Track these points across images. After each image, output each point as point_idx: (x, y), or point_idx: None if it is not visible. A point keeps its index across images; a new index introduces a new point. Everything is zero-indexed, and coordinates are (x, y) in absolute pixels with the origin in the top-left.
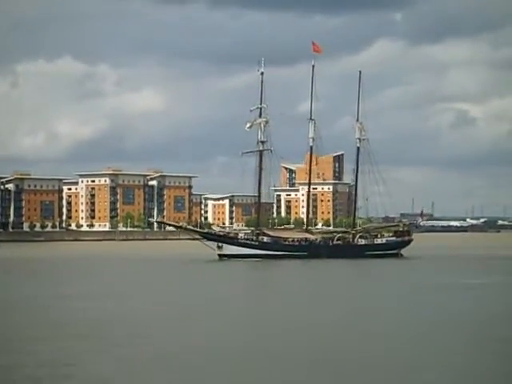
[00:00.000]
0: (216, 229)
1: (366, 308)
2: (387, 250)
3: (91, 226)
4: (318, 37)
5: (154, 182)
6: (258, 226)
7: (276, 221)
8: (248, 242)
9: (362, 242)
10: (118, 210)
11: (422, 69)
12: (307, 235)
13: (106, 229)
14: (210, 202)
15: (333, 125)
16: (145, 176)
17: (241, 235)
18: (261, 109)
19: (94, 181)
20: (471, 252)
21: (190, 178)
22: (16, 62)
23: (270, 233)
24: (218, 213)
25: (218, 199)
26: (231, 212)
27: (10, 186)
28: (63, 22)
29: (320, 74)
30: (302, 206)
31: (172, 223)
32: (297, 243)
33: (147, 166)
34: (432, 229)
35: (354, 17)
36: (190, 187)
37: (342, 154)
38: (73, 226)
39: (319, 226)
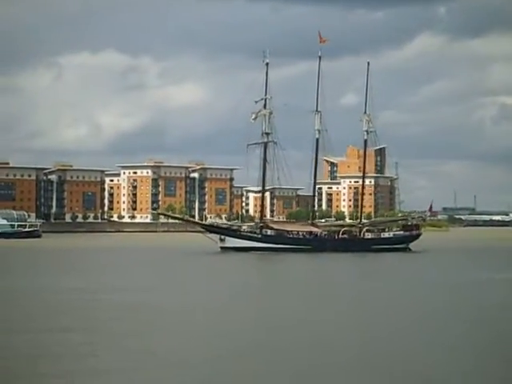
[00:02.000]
0: (219, 221)
1: (368, 304)
2: (394, 244)
3: (133, 217)
4: (360, 30)
5: (195, 175)
6: (262, 218)
7: (317, 214)
8: (251, 234)
9: (369, 235)
10: (160, 202)
11: (465, 63)
12: (312, 228)
13: (148, 220)
14: (251, 195)
15: (375, 119)
16: (186, 168)
17: (244, 228)
18: (265, 100)
19: (135, 172)
20: (492, 245)
21: (232, 170)
22: (60, 54)
23: (274, 226)
24: (259, 205)
25: (259, 192)
26: (272, 205)
27: (53, 177)
28: (107, 14)
29: (362, 68)
30: (344, 200)
31: (173, 215)
32: (301, 236)
33: (189, 158)
34: (474, 223)
35: (397, 10)
36: (231, 180)
37: (384, 148)
38: (114, 218)
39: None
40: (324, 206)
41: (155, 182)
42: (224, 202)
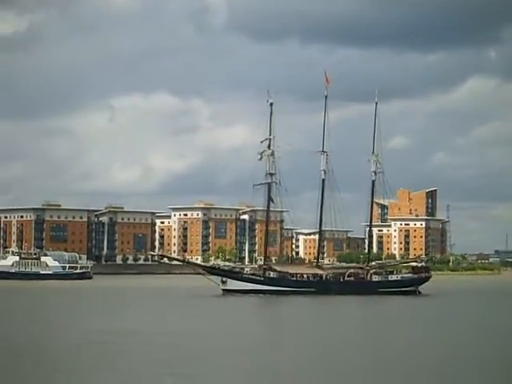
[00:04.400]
0: (220, 263)
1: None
2: (402, 286)
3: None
4: (411, 74)
5: (245, 217)
6: (266, 259)
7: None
8: (253, 277)
9: (376, 278)
10: (210, 244)
11: None
12: (317, 271)
13: (198, 262)
14: (301, 237)
15: (425, 161)
16: (237, 210)
17: (247, 270)
18: (270, 140)
19: (186, 214)
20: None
21: (282, 212)
22: (112, 96)
23: (277, 268)
24: (309, 247)
25: (309, 234)
26: (322, 247)
27: (104, 219)
28: (159, 57)
29: (413, 111)
30: (394, 242)
31: (173, 257)
32: (305, 279)
33: (240, 199)
34: None
35: (447, 54)
36: (281, 221)
37: (435, 190)
38: (165, 259)
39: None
40: (375, 249)
41: (206, 224)
42: (274, 245)
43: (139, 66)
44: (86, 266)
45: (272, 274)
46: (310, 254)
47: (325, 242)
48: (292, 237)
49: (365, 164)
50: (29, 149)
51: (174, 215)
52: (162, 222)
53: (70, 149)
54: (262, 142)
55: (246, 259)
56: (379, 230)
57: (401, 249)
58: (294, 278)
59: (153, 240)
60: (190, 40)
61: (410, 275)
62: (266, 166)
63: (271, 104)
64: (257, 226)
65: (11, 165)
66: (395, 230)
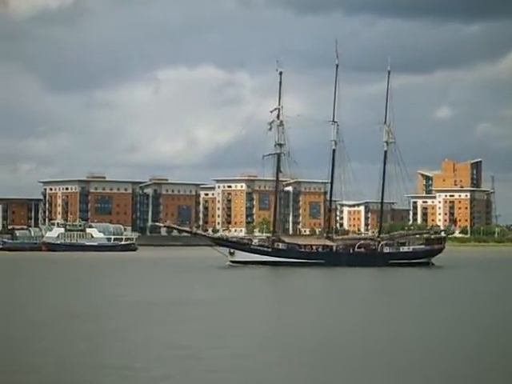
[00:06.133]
0: (228, 234)
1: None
2: (414, 258)
3: (227, 231)
4: (455, 44)
5: (289, 188)
6: (276, 230)
7: (412, 228)
8: (261, 248)
9: (387, 249)
10: (254, 216)
11: None
12: (326, 242)
13: (242, 234)
14: (345, 209)
15: (470, 131)
16: (281, 182)
17: (255, 241)
18: (278, 110)
19: (230, 186)
20: None
21: (326, 184)
22: (157, 69)
23: (286, 239)
24: (354, 219)
25: (354, 205)
26: (366, 218)
27: (148, 191)
28: (203, 29)
29: (457, 81)
30: (439, 214)
31: (180, 228)
32: (314, 250)
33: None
34: None
35: (490, 25)
36: (325, 193)
37: (480, 161)
38: (209, 231)
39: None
40: (419, 220)
41: (249, 196)
42: (318, 216)
43: (184, 39)
44: (130, 237)
45: (280, 246)
46: (354, 225)
47: (369, 214)
48: (336, 208)
49: (408, 135)
50: (74, 121)
51: (218, 187)
52: (206, 194)
53: (114, 121)
54: (271, 111)
55: (290, 231)
56: (424, 202)
57: (445, 220)
58: (303, 250)
59: (197, 212)
60: (234, 13)
61: (422, 247)
62: (276, 137)
63: (280, 73)
64: (300, 198)
65: (56, 137)
66: (440, 202)
